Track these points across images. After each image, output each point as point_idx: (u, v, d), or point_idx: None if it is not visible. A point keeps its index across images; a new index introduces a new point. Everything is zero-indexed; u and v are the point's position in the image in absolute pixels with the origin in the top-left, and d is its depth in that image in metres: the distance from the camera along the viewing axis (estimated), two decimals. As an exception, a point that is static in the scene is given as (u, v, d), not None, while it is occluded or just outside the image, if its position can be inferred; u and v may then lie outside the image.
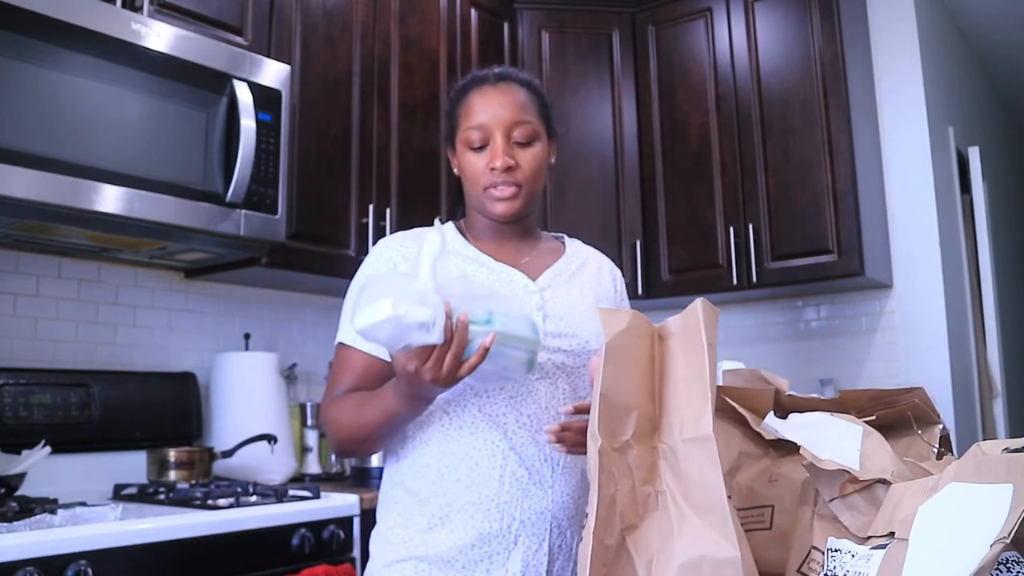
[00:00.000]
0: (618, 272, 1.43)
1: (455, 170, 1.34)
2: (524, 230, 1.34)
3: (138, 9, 2.00)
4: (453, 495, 1.17)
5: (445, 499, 1.18)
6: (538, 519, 1.17)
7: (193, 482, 2.12)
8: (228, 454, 2.21)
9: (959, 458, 0.78)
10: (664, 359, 0.98)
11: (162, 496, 1.98)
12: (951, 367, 2.97)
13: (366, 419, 1.16)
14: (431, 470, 1.20)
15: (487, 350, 1.00)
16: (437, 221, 1.07)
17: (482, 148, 1.26)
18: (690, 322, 0.95)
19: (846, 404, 1.03)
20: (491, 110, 1.26)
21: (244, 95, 2.08)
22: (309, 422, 2.60)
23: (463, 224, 1.36)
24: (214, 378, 2.42)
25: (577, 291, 1.30)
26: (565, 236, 1.43)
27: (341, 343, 1.27)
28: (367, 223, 2.50)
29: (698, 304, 0.96)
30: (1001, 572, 0.68)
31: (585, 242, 1.45)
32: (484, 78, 1.31)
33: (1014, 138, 5.50)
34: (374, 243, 2.53)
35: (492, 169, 1.25)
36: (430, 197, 2.71)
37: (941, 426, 1.01)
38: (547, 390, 1.21)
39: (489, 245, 1.32)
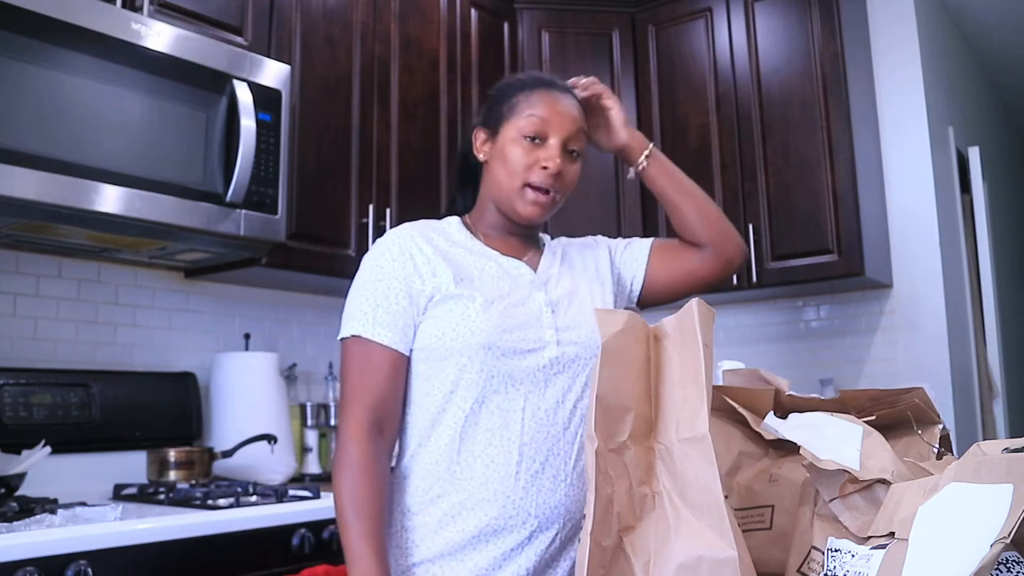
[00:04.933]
0: (611, 241, 1.43)
1: (481, 156, 1.30)
2: (531, 231, 1.35)
3: (138, 9, 2.00)
4: (467, 492, 1.16)
5: (459, 496, 1.16)
6: (551, 514, 1.16)
7: (193, 482, 2.12)
8: (228, 454, 2.20)
9: (959, 458, 0.78)
10: (660, 360, 0.98)
11: (162, 496, 1.98)
12: (951, 367, 2.97)
13: (347, 526, 1.14)
14: (441, 468, 1.18)
15: None
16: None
17: (535, 144, 1.24)
18: (685, 322, 0.95)
19: (846, 404, 1.03)
20: (558, 112, 1.25)
21: (244, 95, 2.08)
22: (309, 422, 2.60)
23: (469, 219, 1.34)
24: (214, 378, 2.42)
25: (569, 281, 1.30)
26: (539, 234, 1.42)
27: (356, 336, 1.19)
28: (367, 223, 2.50)
29: (693, 304, 0.96)
30: (1001, 572, 0.68)
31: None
32: (553, 83, 1.30)
33: (1014, 138, 5.50)
34: (374, 243, 2.53)
35: (543, 168, 1.23)
36: (430, 197, 2.71)
37: (941, 426, 1.01)
38: (564, 383, 1.20)
39: (496, 241, 1.31)
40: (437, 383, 1.19)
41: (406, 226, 1.29)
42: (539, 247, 1.36)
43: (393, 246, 1.24)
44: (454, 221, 1.33)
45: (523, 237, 1.34)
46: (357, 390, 1.19)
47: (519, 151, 1.24)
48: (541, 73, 1.34)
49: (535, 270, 1.29)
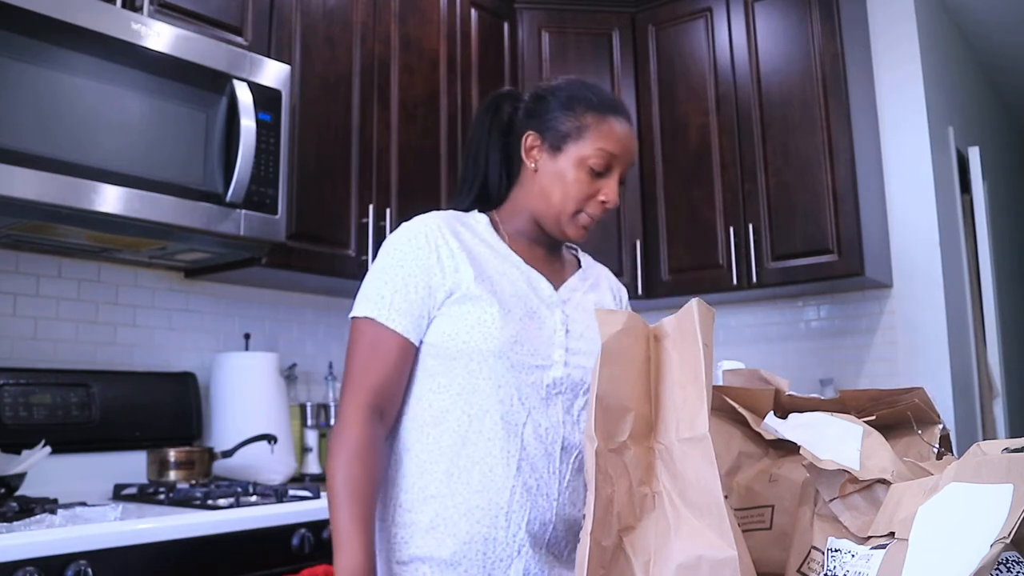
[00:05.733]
0: (625, 292, 1.44)
1: (531, 164, 1.28)
2: (558, 243, 1.34)
3: (138, 9, 2.00)
4: (462, 497, 1.16)
5: (452, 500, 1.16)
6: (540, 530, 1.17)
7: (193, 482, 2.12)
8: (228, 454, 2.21)
9: (959, 458, 0.78)
10: (660, 360, 0.98)
11: (162, 496, 1.98)
12: (951, 367, 2.97)
13: (337, 508, 1.12)
14: (439, 468, 1.17)
15: None
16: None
17: (599, 174, 1.24)
18: (685, 322, 0.95)
19: (846, 404, 1.03)
20: (627, 149, 1.26)
21: (244, 95, 2.08)
22: (309, 422, 2.60)
23: (496, 217, 1.32)
24: (214, 378, 2.42)
25: (592, 308, 1.30)
26: (579, 250, 1.43)
27: (369, 318, 1.18)
28: (367, 223, 2.50)
29: (693, 304, 0.96)
30: (1001, 572, 0.68)
31: (585, 243, 1.44)
32: (621, 109, 1.29)
33: (1014, 138, 5.50)
34: (374, 243, 2.54)
35: (603, 202, 1.25)
36: (430, 197, 2.71)
37: (941, 426, 1.01)
38: (564, 403, 1.21)
39: (521, 247, 1.30)
40: (444, 381, 1.19)
41: (434, 215, 1.27)
42: (563, 259, 1.36)
43: (420, 234, 1.23)
44: (482, 219, 1.30)
45: (548, 247, 1.33)
46: (362, 372, 1.18)
47: (580, 179, 1.24)
48: (607, 92, 1.31)
49: (556, 286, 1.29)
